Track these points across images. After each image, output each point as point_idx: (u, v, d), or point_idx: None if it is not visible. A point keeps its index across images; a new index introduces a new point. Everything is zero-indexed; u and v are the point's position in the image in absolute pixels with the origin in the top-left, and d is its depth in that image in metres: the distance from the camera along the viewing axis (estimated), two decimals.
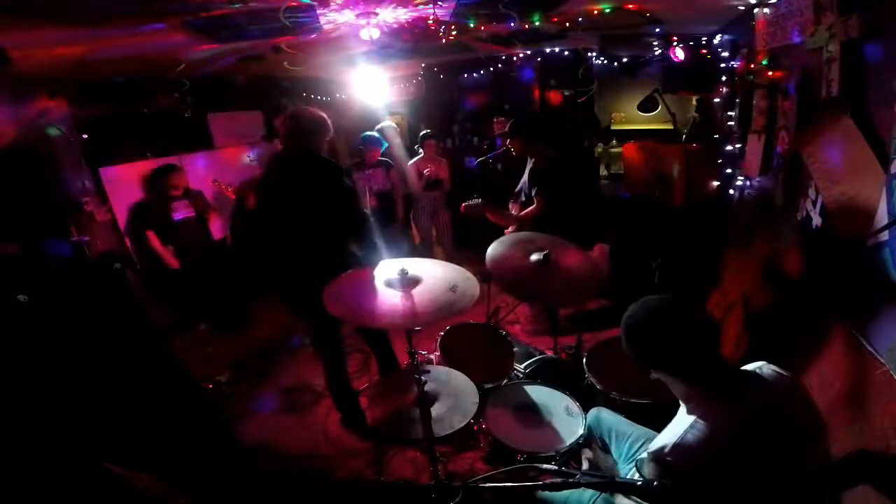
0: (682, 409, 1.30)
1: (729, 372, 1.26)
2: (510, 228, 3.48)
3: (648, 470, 1.22)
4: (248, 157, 4.99)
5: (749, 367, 1.29)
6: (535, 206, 3.25)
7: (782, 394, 1.22)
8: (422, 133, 4.72)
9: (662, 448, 1.17)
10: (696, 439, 1.15)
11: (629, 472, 1.62)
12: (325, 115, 2.40)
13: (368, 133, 4.43)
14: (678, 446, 1.15)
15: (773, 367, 1.27)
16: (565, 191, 3.25)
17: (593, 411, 1.96)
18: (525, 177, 3.43)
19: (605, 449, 1.83)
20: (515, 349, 2.57)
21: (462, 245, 4.88)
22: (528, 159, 3.43)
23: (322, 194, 2.30)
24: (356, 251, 2.47)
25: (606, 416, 1.89)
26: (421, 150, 4.66)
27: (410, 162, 4.63)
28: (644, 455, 1.28)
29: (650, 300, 1.30)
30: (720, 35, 3.29)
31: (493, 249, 2.40)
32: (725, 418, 1.17)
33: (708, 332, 1.27)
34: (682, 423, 1.21)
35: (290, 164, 2.37)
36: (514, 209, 3.54)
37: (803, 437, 1.22)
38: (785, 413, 1.19)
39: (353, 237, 2.49)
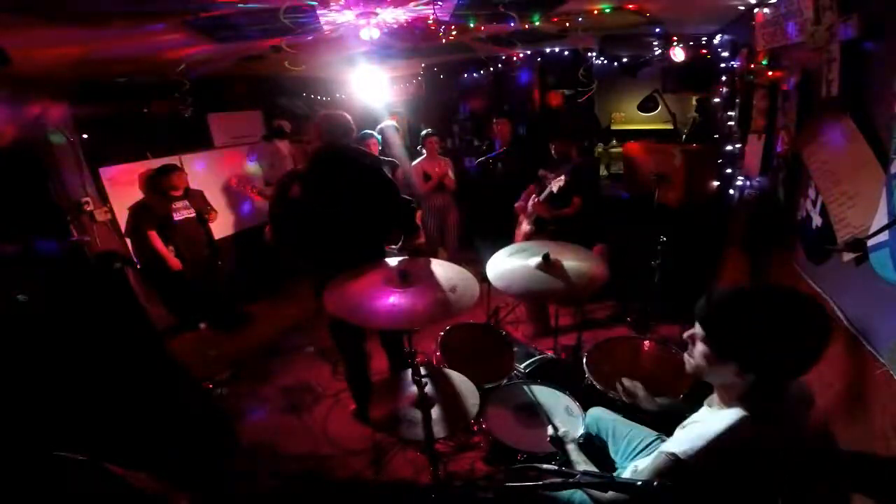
0: (716, 407, 1.24)
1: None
2: (524, 225, 3.53)
3: (656, 466, 1.17)
4: (249, 159, 5.01)
5: None
6: (573, 207, 3.40)
7: (809, 405, 1.22)
8: (423, 132, 4.69)
9: (691, 447, 1.11)
10: (737, 438, 1.09)
11: (627, 471, 1.62)
12: (349, 116, 2.55)
13: (364, 131, 4.43)
14: (717, 440, 1.10)
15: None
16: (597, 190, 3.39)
17: (592, 410, 1.96)
18: (557, 178, 3.36)
19: (600, 444, 1.83)
20: (515, 349, 2.57)
21: (467, 246, 4.85)
22: (564, 160, 3.51)
23: (367, 183, 2.46)
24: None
25: (605, 415, 1.89)
26: (423, 151, 4.62)
27: (414, 162, 4.60)
28: (653, 455, 1.23)
29: (773, 285, 1.21)
30: (720, 35, 3.29)
31: (494, 268, 2.31)
32: (776, 427, 1.12)
33: (822, 339, 1.10)
34: (716, 422, 1.14)
35: (334, 157, 2.49)
36: (532, 205, 3.59)
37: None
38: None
39: (397, 224, 2.71)
